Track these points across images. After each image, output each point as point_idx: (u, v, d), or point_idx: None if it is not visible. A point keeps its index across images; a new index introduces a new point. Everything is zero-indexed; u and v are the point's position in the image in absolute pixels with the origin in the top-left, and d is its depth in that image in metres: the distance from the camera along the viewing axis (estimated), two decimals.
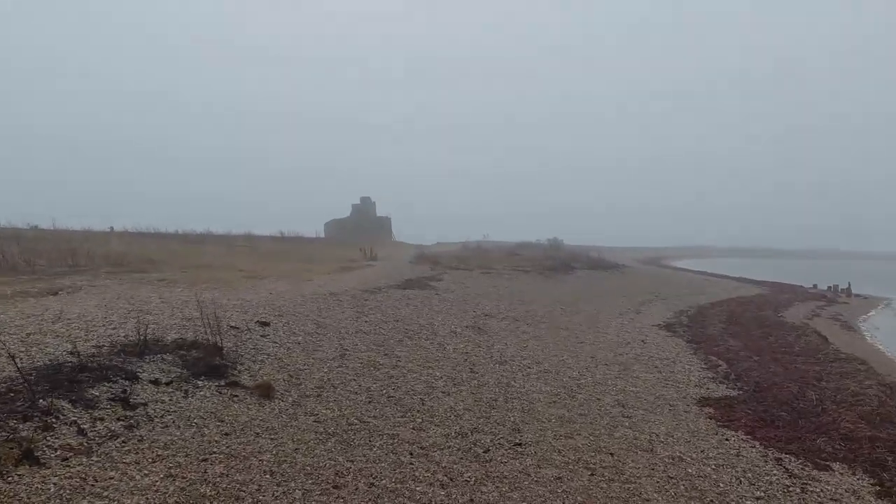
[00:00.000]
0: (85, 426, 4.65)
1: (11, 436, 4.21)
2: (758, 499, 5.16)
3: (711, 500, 5.05)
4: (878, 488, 5.54)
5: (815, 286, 33.55)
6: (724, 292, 26.58)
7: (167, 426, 5.06)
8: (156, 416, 5.18)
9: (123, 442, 4.61)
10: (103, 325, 7.32)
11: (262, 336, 8.31)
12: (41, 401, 4.76)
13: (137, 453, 4.49)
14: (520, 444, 5.93)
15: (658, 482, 5.32)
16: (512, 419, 6.70)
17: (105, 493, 3.88)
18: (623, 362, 10.35)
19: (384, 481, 4.81)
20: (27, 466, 3.93)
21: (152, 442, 4.72)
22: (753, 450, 6.34)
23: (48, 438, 4.33)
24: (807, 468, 5.91)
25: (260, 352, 7.65)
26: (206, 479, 4.33)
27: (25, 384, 4.90)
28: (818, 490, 5.41)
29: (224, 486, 4.31)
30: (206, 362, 6.63)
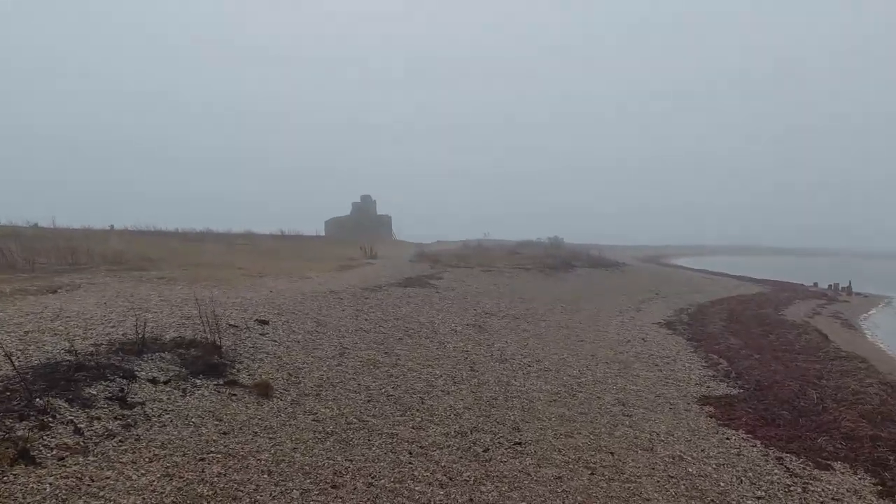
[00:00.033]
0: (82, 425, 4.62)
1: (7, 435, 4.18)
2: (759, 498, 5.13)
3: (712, 500, 5.02)
4: (879, 488, 5.51)
5: (815, 284, 33.54)
6: (725, 290, 26.55)
7: (165, 425, 5.03)
8: (153, 416, 5.15)
9: (120, 441, 4.58)
10: (102, 324, 7.29)
11: (261, 334, 8.28)
12: (38, 400, 4.73)
13: (134, 453, 4.46)
14: (520, 443, 5.90)
15: (658, 481, 5.29)
16: (512, 418, 6.67)
17: (101, 493, 3.85)
18: (623, 360, 10.31)
19: (383, 481, 4.78)
20: (23, 466, 3.90)
21: (149, 441, 4.69)
22: (754, 449, 6.31)
23: (44, 438, 4.30)
24: (808, 467, 5.88)
25: (259, 350, 7.62)
26: (203, 479, 4.30)
27: (22, 383, 4.87)
28: (819, 490, 5.38)
29: (221, 485, 4.28)
30: (205, 361, 6.59)
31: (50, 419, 4.55)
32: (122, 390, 5.38)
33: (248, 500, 4.18)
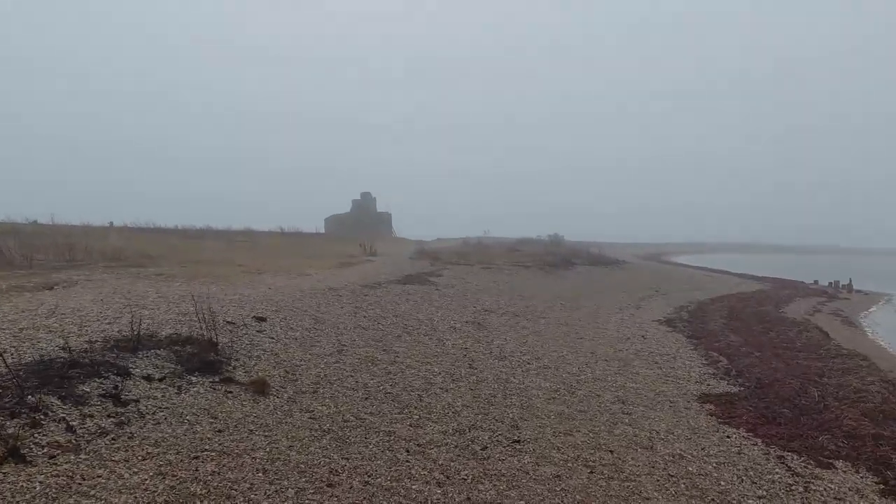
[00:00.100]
0: (74, 423, 4.56)
1: None
2: (760, 497, 5.07)
3: (713, 499, 4.96)
4: (882, 487, 5.44)
5: (815, 282, 33.51)
6: (725, 288, 26.49)
7: (159, 423, 4.97)
8: (147, 413, 5.09)
9: (113, 439, 4.52)
10: (97, 320, 7.22)
11: (258, 331, 8.22)
12: (30, 397, 4.67)
13: (127, 451, 4.40)
14: (518, 442, 5.84)
15: (658, 480, 5.23)
16: (510, 416, 6.61)
17: (92, 492, 3.79)
18: (623, 358, 10.25)
19: (379, 479, 4.72)
20: (13, 464, 3.83)
21: (143, 439, 4.63)
22: (755, 447, 6.25)
23: (36, 436, 4.24)
24: (809, 466, 5.82)
25: (256, 347, 7.56)
26: (196, 478, 4.24)
27: (14, 380, 4.81)
28: (821, 489, 5.32)
29: (215, 484, 4.22)
30: (201, 358, 6.53)
31: (42, 417, 4.49)
32: (116, 387, 5.32)
33: (242, 498, 4.12)
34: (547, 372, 8.78)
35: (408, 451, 5.32)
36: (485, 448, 5.60)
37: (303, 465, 4.75)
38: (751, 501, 4.98)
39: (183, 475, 4.24)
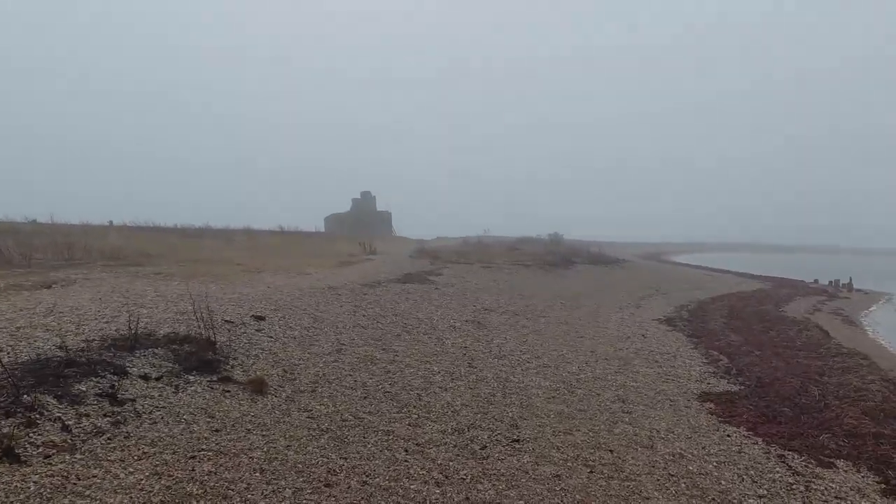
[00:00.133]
0: (70, 422, 4.53)
1: None
2: (761, 497, 5.03)
3: (713, 499, 4.92)
4: (883, 486, 5.41)
5: (816, 281, 33.48)
6: (725, 287, 26.46)
7: (155, 422, 4.94)
8: (144, 413, 5.05)
9: (109, 439, 4.49)
10: (95, 319, 7.19)
11: (256, 330, 8.18)
12: (25, 396, 4.64)
13: (123, 450, 4.37)
14: (518, 441, 5.81)
15: (658, 480, 5.20)
16: (510, 415, 6.57)
17: (87, 493, 3.76)
18: (623, 357, 10.22)
19: (378, 479, 4.68)
20: (7, 464, 3.80)
21: (139, 439, 4.60)
22: (756, 446, 6.21)
23: (31, 435, 4.20)
24: (810, 465, 5.78)
25: (254, 346, 7.52)
26: (193, 477, 4.21)
27: (10, 379, 4.77)
28: (822, 488, 5.29)
29: (212, 484, 4.18)
30: (199, 357, 6.50)
31: (37, 416, 4.45)
32: (112, 387, 5.28)
33: (238, 499, 4.09)
34: (547, 371, 8.75)
35: (406, 451, 5.29)
36: (484, 447, 5.57)
37: (300, 465, 4.72)
38: (751, 501, 4.95)
39: (179, 475, 4.20)
